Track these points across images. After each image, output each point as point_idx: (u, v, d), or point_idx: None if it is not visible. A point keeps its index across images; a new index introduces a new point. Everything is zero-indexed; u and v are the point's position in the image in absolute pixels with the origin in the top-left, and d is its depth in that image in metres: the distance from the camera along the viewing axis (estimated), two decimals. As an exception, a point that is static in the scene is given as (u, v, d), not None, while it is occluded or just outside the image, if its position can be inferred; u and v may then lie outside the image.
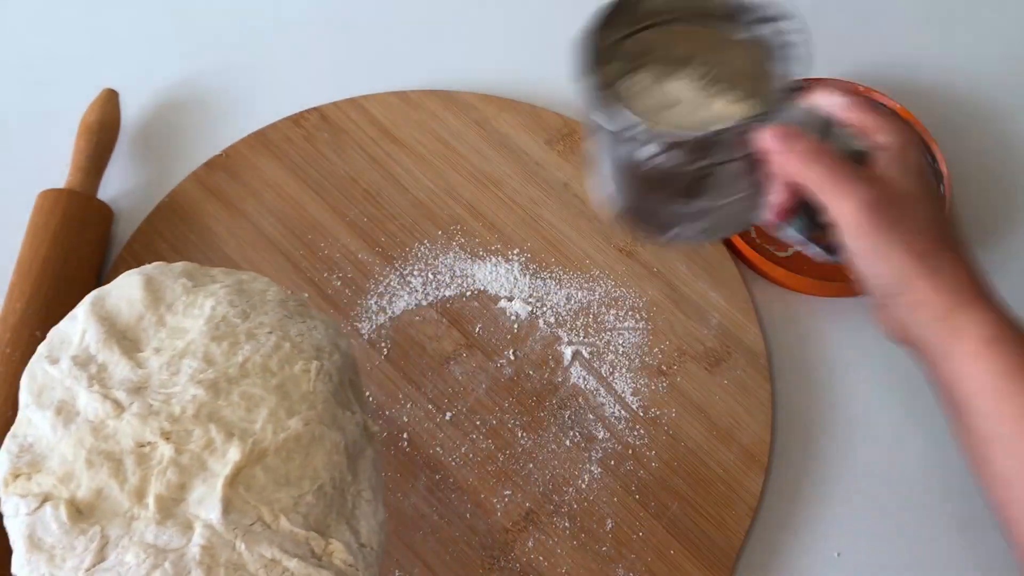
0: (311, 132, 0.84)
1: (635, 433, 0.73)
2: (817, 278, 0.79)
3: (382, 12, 0.92)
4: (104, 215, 0.79)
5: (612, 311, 0.77)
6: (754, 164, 0.59)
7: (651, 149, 0.56)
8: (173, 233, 0.80)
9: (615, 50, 0.61)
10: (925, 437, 0.75)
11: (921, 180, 0.57)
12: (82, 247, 0.77)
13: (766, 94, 0.60)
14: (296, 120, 0.84)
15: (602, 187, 0.64)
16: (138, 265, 0.78)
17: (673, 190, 0.60)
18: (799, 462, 0.73)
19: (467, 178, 0.82)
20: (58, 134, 0.84)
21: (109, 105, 0.83)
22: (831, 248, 0.61)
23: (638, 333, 0.76)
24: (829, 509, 0.72)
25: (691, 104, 0.61)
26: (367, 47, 0.90)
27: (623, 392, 0.74)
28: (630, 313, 0.77)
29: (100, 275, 0.78)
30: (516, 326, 0.77)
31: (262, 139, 0.84)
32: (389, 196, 0.81)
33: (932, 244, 0.56)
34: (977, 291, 0.57)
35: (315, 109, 0.85)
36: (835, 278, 0.79)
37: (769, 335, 0.78)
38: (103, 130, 0.82)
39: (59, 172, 0.81)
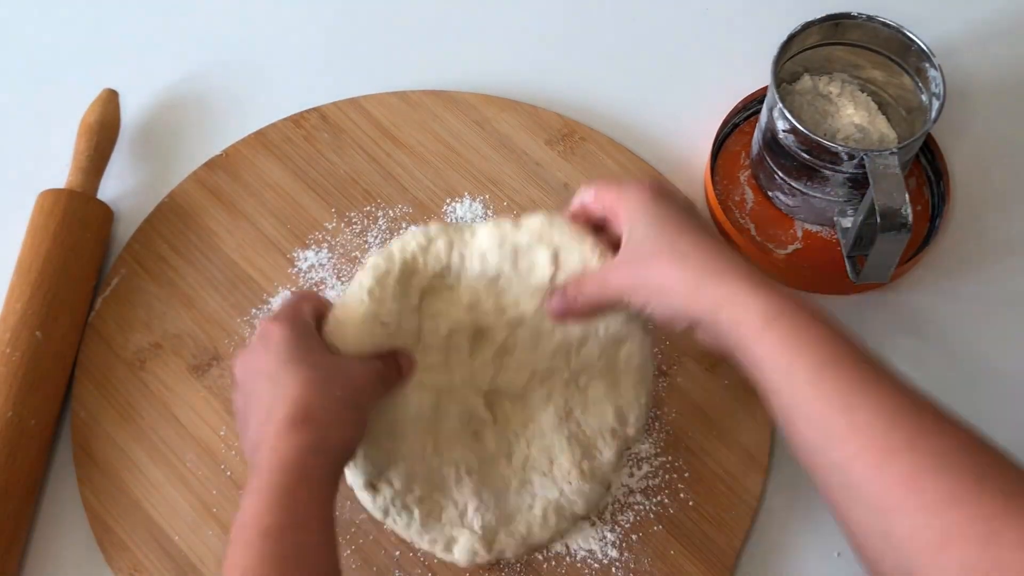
0: (311, 132, 0.84)
1: (635, 433, 0.73)
2: (817, 275, 0.79)
3: (382, 12, 0.92)
4: (104, 215, 0.79)
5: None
6: (852, 181, 0.75)
7: (782, 124, 0.74)
8: (173, 233, 0.80)
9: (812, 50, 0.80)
10: (925, 437, 0.75)
11: (664, 225, 0.61)
12: (82, 247, 0.77)
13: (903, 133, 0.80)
14: (296, 120, 0.84)
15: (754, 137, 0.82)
16: (139, 265, 0.78)
17: (786, 163, 0.77)
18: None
19: (467, 178, 0.82)
20: (58, 134, 0.84)
21: (109, 105, 0.83)
22: (856, 271, 0.77)
23: (638, 333, 0.76)
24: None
25: (854, 118, 0.80)
26: (367, 47, 0.90)
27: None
28: (630, 313, 0.77)
29: (100, 275, 0.78)
30: (516, 326, 0.77)
31: (262, 139, 0.84)
32: (389, 196, 0.81)
33: (703, 266, 0.59)
34: (752, 281, 0.58)
35: (315, 109, 0.85)
36: (834, 275, 0.79)
37: (769, 335, 0.78)
38: (103, 130, 0.82)
39: (59, 172, 0.81)
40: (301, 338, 0.61)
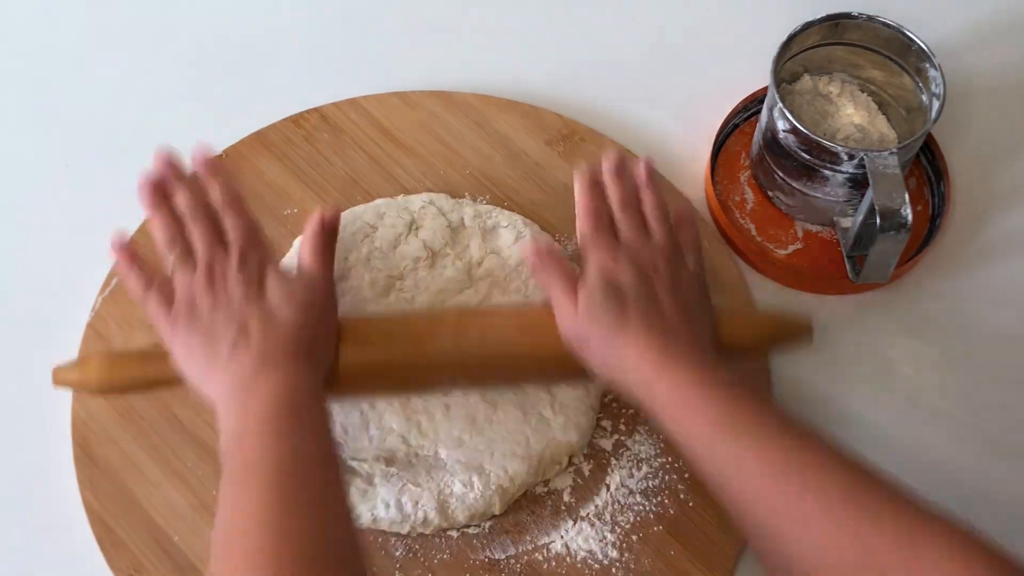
0: (311, 132, 0.84)
1: (635, 434, 0.73)
2: (817, 275, 0.79)
3: (382, 12, 0.92)
4: None
5: (612, 311, 0.77)
6: (852, 181, 0.75)
7: (782, 124, 0.74)
8: (173, 233, 0.80)
9: (813, 50, 0.80)
10: (925, 435, 0.75)
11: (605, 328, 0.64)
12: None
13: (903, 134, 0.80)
14: (296, 120, 0.84)
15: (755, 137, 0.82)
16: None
17: (786, 163, 0.77)
18: (799, 462, 0.73)
19: (467, 179, 0.82)
20: (57, 134, 0.84)
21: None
22: (856, 271, 0.77)
23: (638, 333, 0.76)
24: (829, 509, 0.72)
25: (856, 119, 0.80)
26: (367, 47, 0.90)
27: (623, 392, 0.74)
28: (630, 313, 0.77)
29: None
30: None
31: (262, 139, 0.83)
32: (389, 196, 0.81)
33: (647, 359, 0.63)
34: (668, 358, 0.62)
35: (315, 109, 0.85)
36: (834, 275, 0.79)
37: (769, 335, 0.78)
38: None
39: (59, 171, 0.81)
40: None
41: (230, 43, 0.91)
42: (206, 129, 0.85)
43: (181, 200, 0.67)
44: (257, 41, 0.91)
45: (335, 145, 0.83)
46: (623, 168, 0.71)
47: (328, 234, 0.69)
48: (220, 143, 0.83)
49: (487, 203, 0.81)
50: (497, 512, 0.70)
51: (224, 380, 0.62)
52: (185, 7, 0.92)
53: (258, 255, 0.67)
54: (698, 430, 0.59)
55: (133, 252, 0.67)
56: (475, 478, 0.69)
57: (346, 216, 0.78)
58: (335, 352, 0.66)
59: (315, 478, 0.58)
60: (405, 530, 0.69)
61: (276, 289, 0.65)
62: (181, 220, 0.67)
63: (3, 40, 0.91)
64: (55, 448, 0.73)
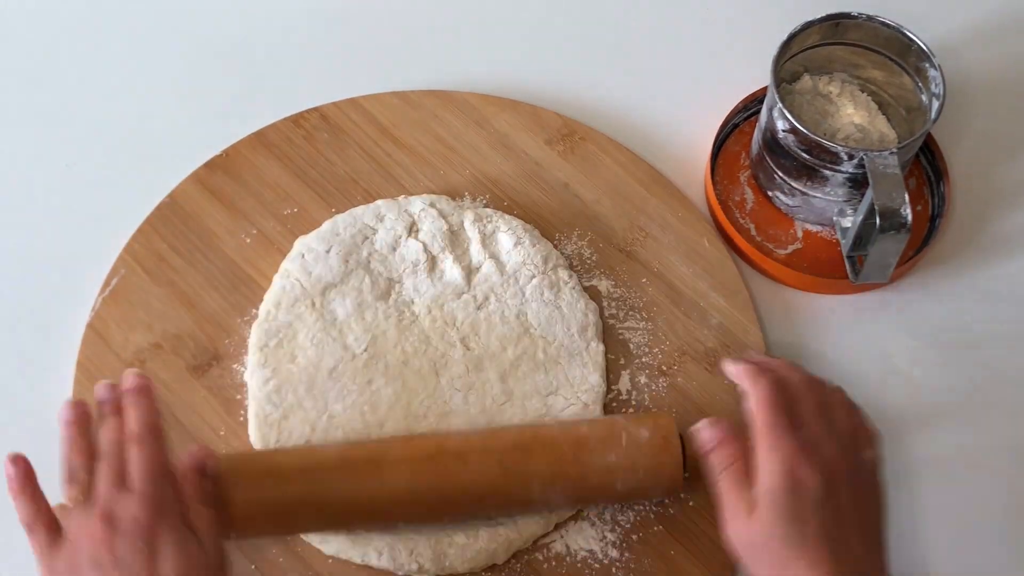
0: (311, 132, 0.84)
1: (635, 433, 0.73)
2: (817, 275, 0.79)
3: (382, 12, 0.92)
4: None
5: (612, 311, 0.77)
6: (852, 181, 0.75)
7: (782, 124, 0.74)
8: (173, 233, 0.80)
9: (813, 50, 0.81)
10: (925, 435, 0.75)
11: (800, 534, 0.58)
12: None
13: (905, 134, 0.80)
14: (296, 120, 0.84)
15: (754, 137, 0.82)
16: (139, 265, 0.78)
17: (786, 163, 0.77)
18: (799, 462, 0.73)
19: (467, 178, 0.82)
20: (59, 135, 0.84)
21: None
22: (856, 271, 0.77)
23: (638, 333, 0.76)
24: (829, 509, 0.72)
25: (856, 119, 0.80)
26: (367, 47, 0.90)
27: (624, 393, 0.74)
28: (630, 313, 0.77)
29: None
30: (516, 326, 0.77)
31: (262, 139, 0.83)
32: (389, 196, 0.81)
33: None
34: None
35: (315, 109, 0.85)
36: (834, 275, 0.79)
37: (769, 335, 0.78)
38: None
39: (59, 169, 0.81)
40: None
41: (230, 43, 0.91)
42: (206, 129, 0.85)
43: (102, 432, 0.62)
44: (257, 41, 0.91)
45: (335, 145, 0.83)
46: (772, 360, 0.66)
47: (205, 476, 0.63)
48: (220, 143, 0.83)
49: (487, 203, 0.81)
50: (500, 563, 0.69)
51: None
52: (185, 7, 0.92)
53: (156, 505, 0.59)
54: None
55: (28, 476, 0.62)
56: (481, 528, 0.68)
57: (346, 217, 0.78)
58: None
59: None
60: (397, 573, 0.68)
61: (170, 559, 0.57)
62: (95, 452, 0.61)
63: (3, 40, 0.91)
64: (55, 448, 0.73)
